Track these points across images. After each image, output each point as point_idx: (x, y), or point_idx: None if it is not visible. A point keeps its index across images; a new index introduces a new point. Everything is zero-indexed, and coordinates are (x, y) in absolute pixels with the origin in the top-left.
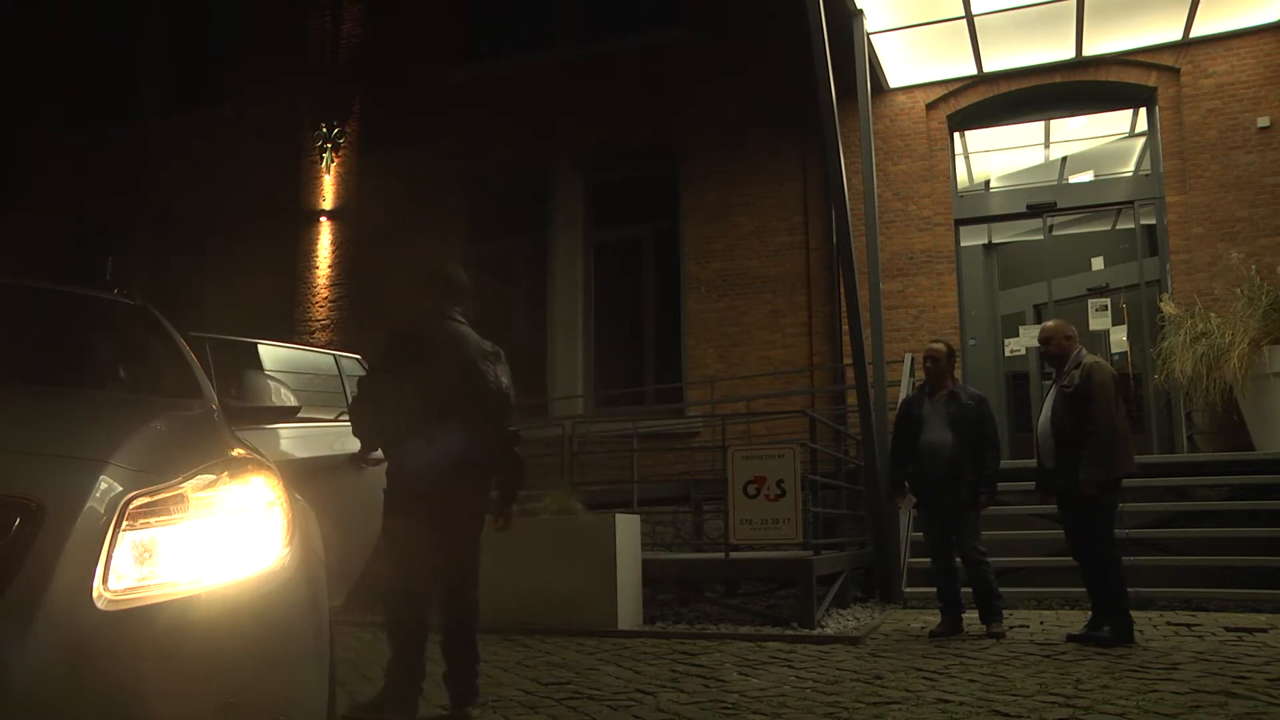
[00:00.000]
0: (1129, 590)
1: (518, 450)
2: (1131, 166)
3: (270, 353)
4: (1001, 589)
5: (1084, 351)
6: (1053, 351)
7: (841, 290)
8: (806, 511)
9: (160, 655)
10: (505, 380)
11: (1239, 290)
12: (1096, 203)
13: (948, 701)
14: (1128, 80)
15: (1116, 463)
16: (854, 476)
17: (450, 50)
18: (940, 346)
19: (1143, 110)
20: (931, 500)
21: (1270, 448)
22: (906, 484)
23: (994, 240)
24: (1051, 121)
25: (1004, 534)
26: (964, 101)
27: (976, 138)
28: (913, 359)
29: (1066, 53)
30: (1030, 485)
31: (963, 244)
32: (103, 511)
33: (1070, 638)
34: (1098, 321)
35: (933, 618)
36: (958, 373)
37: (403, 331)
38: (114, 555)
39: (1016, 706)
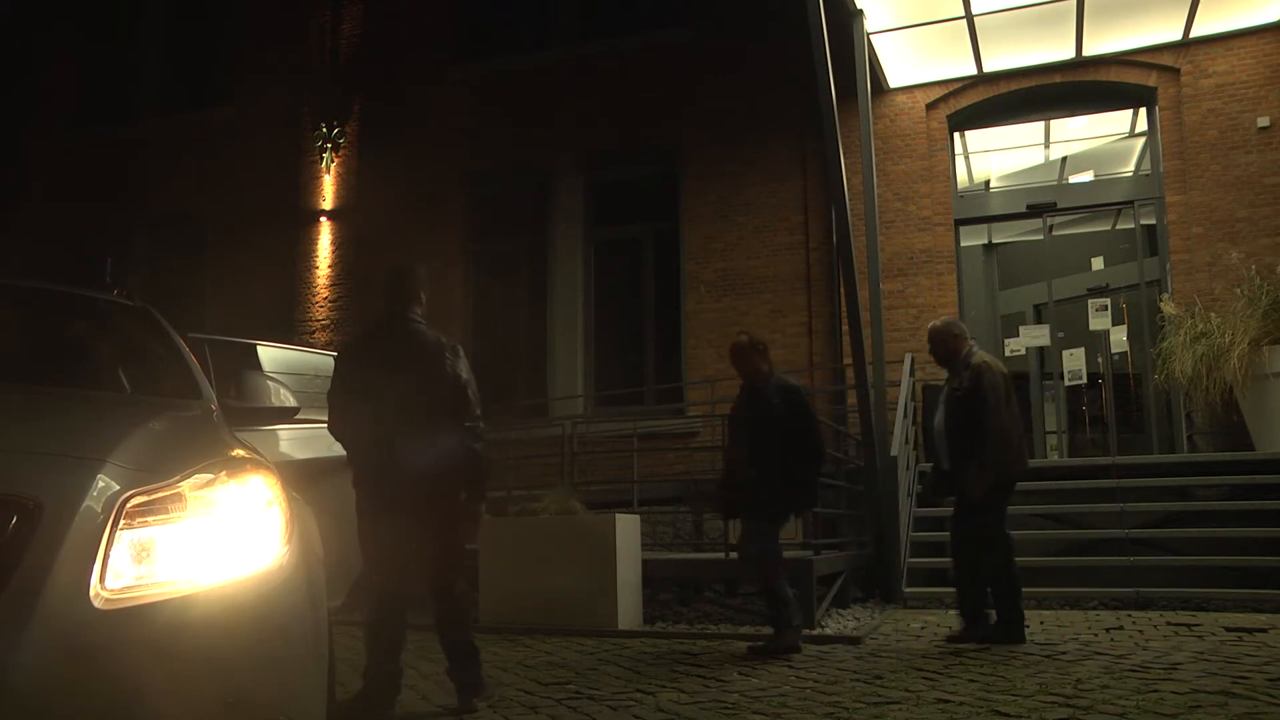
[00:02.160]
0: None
1: (478, 447)
2: (1131, 166)
3: (269, 353)
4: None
5: (974, 349)
6: (941, 354)
7: (841, 290)
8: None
9: (158, 654)
10: (465, 374)
11: (1239, 290)
12: (1096, 203)
13: (948, 701)
14: (1128, 80)
15: (1008, 465)
16: (854, 476)
17: (450, 50)
18: (741, 338)
19: (1143, 110)
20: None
21: (1270, 448)
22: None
23: (994, 240)
24: (1051, 121)
25: None
26: (964, 101)
27: (976, 138)
28: (912, 359)
29: (1066, 53)
30: (1028, 485)
31: (963, 244)
32: (100, 510)
33: (950, 639)
34: (1098, 321)
35: (933, 618)
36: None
37: (361, 335)
38: (111, 554)
39: (1016, 706)
